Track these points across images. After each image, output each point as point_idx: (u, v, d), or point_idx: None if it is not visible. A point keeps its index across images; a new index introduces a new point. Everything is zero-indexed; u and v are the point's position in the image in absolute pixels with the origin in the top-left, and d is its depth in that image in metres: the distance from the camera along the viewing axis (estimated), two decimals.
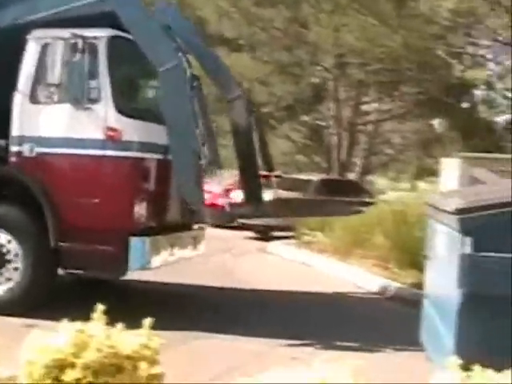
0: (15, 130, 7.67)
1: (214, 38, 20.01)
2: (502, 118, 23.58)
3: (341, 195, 16.53)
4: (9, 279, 7.46)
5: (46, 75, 7.59)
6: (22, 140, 7.63)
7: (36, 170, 7.59)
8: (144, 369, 3.24)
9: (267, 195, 8.73)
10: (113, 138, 7.36)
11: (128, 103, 7.96)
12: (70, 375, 3.14)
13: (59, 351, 3.19)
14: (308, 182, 19.11)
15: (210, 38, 18.83)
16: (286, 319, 8.13)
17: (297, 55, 22.31)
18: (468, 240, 4.41)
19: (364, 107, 27.47)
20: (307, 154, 28.67)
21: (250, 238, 17.69)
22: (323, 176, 21.91)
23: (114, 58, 7.56)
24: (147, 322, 3.37)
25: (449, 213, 4.83)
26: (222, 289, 9.83)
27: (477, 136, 21.70)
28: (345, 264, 12.22)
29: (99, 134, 7.39)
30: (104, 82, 7.44)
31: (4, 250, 7.48)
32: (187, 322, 7.38)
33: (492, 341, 4.25)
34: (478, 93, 23.55)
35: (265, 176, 8.68)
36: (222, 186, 18.49)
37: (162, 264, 7.82)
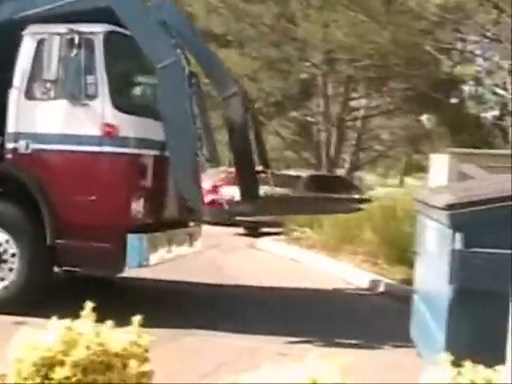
0: (11, 127, 7.59)
1: (203, 34, 19.96)
2: (490, 114, 23.72)
3: (330, 191, 16.49)
4: (2, 279, 7.39)
5: (42, 71, 7.45)
6: (17, 136, 7.55)
7: (32, 167, 7.51)
8: (133, 366, 3.22)
9: (263, 192, 8.71)
10: (110, 134, 7.30)
11: (125, 99, 7.91)
12: (59, 373, 3.12)
13: (48, 349, 3.17)
14: (297, 178, 19.10)
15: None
16: (276, 315, 8.12)
17: (285, 51, 22.31)
18: (458, 236, 4.40)
19: (353, 103, 27.55)
20: (296, 150, 28.69)
21: (240, 235, 17.67)
22: (312, 172, 21.92)
23: (111, 54, 7.49)
24: (136, 319, 3.35)
25: (439, 208, 4.82)
26: (211, 285, 9.81)
27: (465, 131, 21.83)
28: (334, 260, 12.23)
29: (96, 131, 7.32)
30: (101, 77, 7.36)
31: (1, 250, 7.41)
32: (177, 318, 7.36)
33: (483, 336, 4.25)
34: (467, 88, 23.69)
35: (260, 172, 8.66)
36: (210, 182, 18.44)
37: (159, 261, 7.76)
